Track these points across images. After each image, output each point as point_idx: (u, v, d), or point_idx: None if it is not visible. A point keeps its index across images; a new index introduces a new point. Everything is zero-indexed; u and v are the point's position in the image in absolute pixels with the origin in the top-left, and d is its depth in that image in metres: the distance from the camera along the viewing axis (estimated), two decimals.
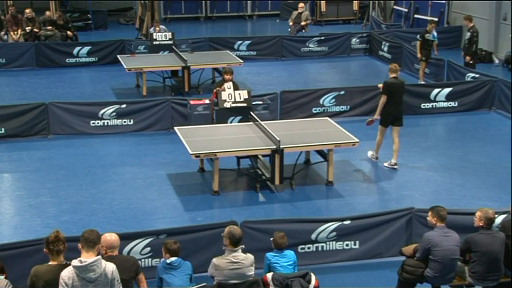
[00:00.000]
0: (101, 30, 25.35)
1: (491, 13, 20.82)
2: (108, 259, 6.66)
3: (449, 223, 7.90)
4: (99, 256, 6.40)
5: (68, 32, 21.22)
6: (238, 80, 16.39)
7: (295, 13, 22.66)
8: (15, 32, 20.98)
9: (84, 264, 6.23)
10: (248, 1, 28.99)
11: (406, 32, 22.32)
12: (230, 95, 12.79)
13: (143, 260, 8.42)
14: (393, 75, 12.03)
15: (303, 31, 22.28)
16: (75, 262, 6.26)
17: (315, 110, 15.01)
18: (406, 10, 24.82)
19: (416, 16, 24.10)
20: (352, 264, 9.08)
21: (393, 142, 12.21)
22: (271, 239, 7.84)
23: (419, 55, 17.58)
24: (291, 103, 14.86)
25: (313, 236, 8.94)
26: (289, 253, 7.79)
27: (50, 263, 6.49)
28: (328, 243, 9.01)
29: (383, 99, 12.00)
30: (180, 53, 17.44)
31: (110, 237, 7.02)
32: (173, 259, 7.38)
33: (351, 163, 12.49)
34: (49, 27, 20.96)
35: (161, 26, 19.65)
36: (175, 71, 17.60)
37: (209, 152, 10.89)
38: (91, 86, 17.24)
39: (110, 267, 6.40)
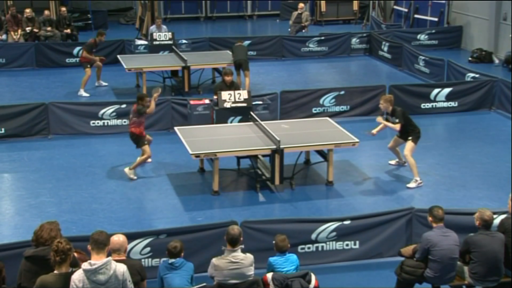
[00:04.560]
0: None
1: (491, 13, 20.81)
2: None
3: (449, 223, 7.91)
4: (109, 258, 6.40)
5: (68, 30, 21.23)
6: (238, 80, 16.44)
7: (295, 13, 22.65)
8: (15, 32, 20.99)
9: (94, 267, 6.23)
10: (248, 1, 28.99)
11: (406, 32, 22.34)
12: (230, 95, 12.84)
13: (143, 260, 8.42)
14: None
15: (303, 31, 22.28)
16: (85, 265, 6.26)
17: (315, 110, 15.01)
18: (406, 10, 24.81)
19: (416, 16, 24.10)
20: (352, 264, 9.08)
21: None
22: (274, 242, 7.82)
23: None
24: (291, 103, 14.86)
25: (313, 236, 8.94)
26: (292, 257, 7.77)
27: (55, 272, 6.43)
28: (328, 243, 9.02)
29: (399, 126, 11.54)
30: (180, 53, 17.45)
31: (118, 239, 6.99)
32: (174, 259, 7.37)
33: (351, 163, 12.49)
34: (49, 28, 20.97)
35: (162, 26, 19.66)
36: (175, 71, 17.60)
37: (209, 152, 10.89)
38: (91, 86, 17.23)
39: (120, 268, 6.39)
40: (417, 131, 11.59)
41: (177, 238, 8.15)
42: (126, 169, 11.82)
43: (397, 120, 11.50)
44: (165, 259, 7.54)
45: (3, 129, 13.71)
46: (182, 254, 7.46)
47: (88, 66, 16.74)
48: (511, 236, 7.77)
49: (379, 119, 11.92)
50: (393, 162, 12.41)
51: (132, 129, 11.65)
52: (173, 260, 7.35)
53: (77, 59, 19.17)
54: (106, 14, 26.18)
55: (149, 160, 12.29)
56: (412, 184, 11.43)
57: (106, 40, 20.11)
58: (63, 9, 21.95)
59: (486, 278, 7.72)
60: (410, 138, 11.53)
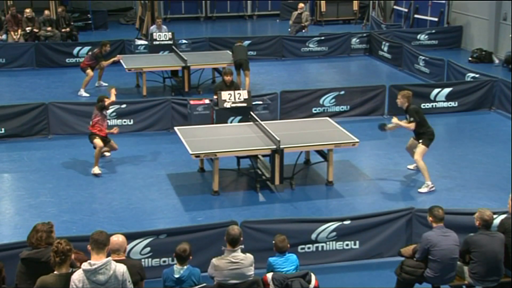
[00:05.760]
0: (101, 30, 25.36)
1: (491, 13, 20.82)
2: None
3: (448, 223, 7.91)
4: (109, 258, 6.39)
5: (67, 29, 21.25)
6: (238, 80, 16.44)
7: (295, 13, 22.65)
8: (15, 32, 20.99)
9: (94, 267, 6.22)
10: (248, 1, 28.99)
11: (406, 32, 22.34)
12: (230, 95, 12.84)
13: (143, 260, 8.42)
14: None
15: (303, 31, 22.28)
16: (85, 266, 6.26)
17: (315, 110, 15.01)
18: (406, 10, 24.82)
19: (416, 16, 24.11)
20: (352, 264, 9.08)
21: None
22: (273, 242, 7.82)
23: None
24: (291, 103, 14.86)
25: (313, 236, 8.94)
26: (292, 257, 7.77)
27: (55, 272, 6.42)
28: (328, 243, 9.02)
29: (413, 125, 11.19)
30: (180, 53, 17.46)
31: (117, 239, 7.00)
32: (181, 271, 7.22)
33: (351, 163, 12.49)
34: (49, 28, 20.96)
35: (162, 26, 19.67)
36: (175, 71, 17.61)
37: (209, 152, 10.88)
38: (91, 86, 17.22)
39: (120, 269, 6.38)
40: (429, 133, 11.21)
41: (177, 238, 8.18)
42: (92, 169, 12.08)
43: (411, 119, 11.17)
44: (168, 269, 7.33)
45: (3, 129, 13.71)
46: (191, 257, 7.33)
47: (90, 68, 16.72)
48: (511, 236, 7.77)
49: (395, 120, 11.49)
50: (411, 166, 12.09)
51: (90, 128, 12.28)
52: (180, 273, 7.20)
53: (77, 59, 19.23)
54: (106, 14, 26.20)
55: (107, 154, 12.74)
56: (423, 189, 11.22)
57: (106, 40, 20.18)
58: (60, 9, 21.93)
59: (486, 278, 7.72)
60: (420, 141, 11.23)
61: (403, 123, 11.38)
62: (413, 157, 11.55)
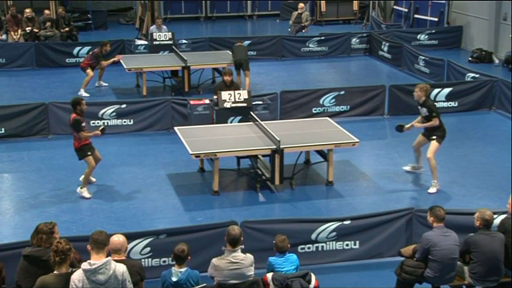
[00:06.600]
0: (101, 30, 25.35)
1: (491, 13, 20.82)
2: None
3: (448, 223, 7.91)
4: (109, 258, 6.39)
5: (66, 29, 21.25)
6: (238, 80, 16.43)
7: (295, 13, 22.66)
8: (15, 32, 21.00)
9: (93, 267, 6.22)
10: (248, 1, 29.00)
11: (406, 32, 22.34)
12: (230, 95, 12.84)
13: (143, 260, 8.42)
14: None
15: (303, 31, 22.29)
16: (84, 265, 6.26)
17: (315, 110, 15.01)
18: (406, 10, 24.82)
19: (416, 16, 24.11)
20: (352, 264, 9.08)
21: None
22: (274, 242, 7.82)
23: None
24: (291, 103, 14.86)
25: (313, 236, 8.94)
26: (292, 257, 7.77)
27: (55, 272, 6.43)
28: (328, 243, 9.02)
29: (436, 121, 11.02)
30: (180, 53, 17.46)
31: (118, 239, 6.99)
32: (180, 273, 7.19)
33: (351, 163, 12.49)
34: (48, 23, 20.90)
35: (162, 26, 19.67)
36: (175, 71, 17.61)
37: (209, 152, 10.89)
38: (91, 86, 17.23)
39: (120, 268, 6.39)
40: (442, 129, 11.12)
41: (177, 238, 8.17)
42: (78, 189, 11.04)
43: (433, 114, 10.95)
44: (167, 271, 7.29)
45: (3, 129, 13.71)
46: (189, 257, 7.30)
47: (90, 68, 16.72)
48: (511, 236, 7.77)
49: (417, 125, 11.27)
50: (408, 168, 11.97)
51: (74, 142, 10.84)
52: (178, 276, 7.17)
53: (77, 59, 19.22)
54: (106, 14, 26.21)
55: (93, 179, 11.41)
56: (433, 189, 11.14)
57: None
58: (59, 9, 21.94)
59: (486, 278, 7.72)
60: (434, 137, 11.09)
61: (420, 124, 11.20)
62: (416, 154, 11.65)
